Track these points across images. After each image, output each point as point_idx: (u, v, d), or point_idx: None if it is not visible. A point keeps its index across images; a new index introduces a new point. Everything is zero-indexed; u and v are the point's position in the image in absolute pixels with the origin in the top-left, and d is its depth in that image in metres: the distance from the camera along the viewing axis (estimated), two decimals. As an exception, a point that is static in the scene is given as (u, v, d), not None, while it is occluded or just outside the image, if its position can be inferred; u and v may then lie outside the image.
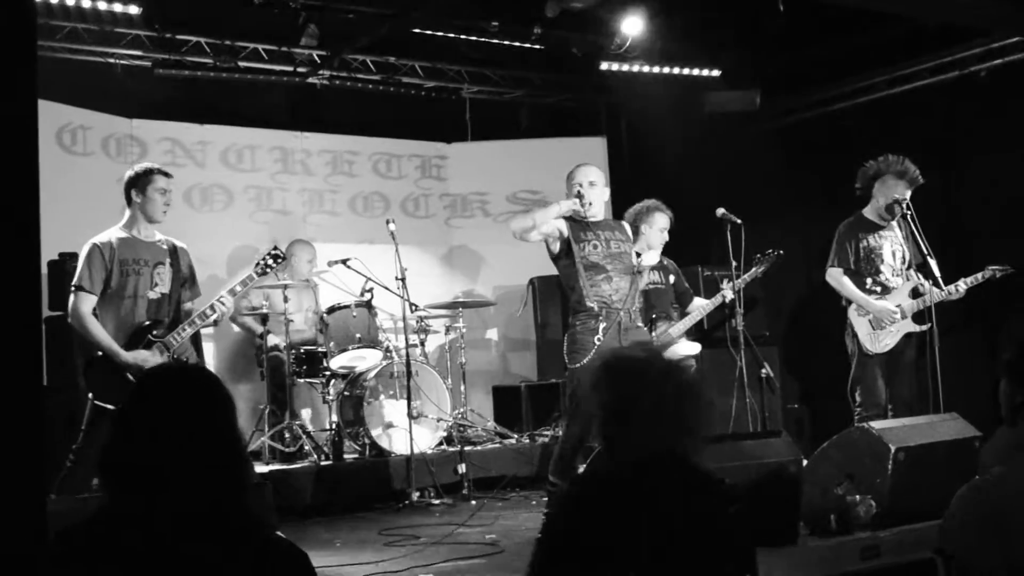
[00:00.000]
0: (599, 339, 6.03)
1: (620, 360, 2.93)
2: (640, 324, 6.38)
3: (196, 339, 6.47)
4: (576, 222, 6.30)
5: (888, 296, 7.20)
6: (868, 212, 7.36)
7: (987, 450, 5.25)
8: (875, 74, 9.72)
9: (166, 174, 6.20)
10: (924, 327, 7.04)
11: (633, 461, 2.75)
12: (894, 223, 7.25)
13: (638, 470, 2.72)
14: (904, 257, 7.27)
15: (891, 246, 7.30)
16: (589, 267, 6.19)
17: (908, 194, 7.19)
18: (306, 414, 8.92)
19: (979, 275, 7.15)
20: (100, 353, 5.92)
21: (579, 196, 6.25)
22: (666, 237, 7.58)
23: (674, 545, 2.60)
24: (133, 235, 6.12)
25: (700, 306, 7.60)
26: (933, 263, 7.04)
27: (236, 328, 9.13)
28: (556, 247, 6.28)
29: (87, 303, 5.93)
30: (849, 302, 7.29)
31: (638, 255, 6.40)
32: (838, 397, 7.55)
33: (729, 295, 7.62)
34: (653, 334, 7.35)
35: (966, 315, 7.59)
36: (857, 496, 5.17)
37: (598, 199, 6.34)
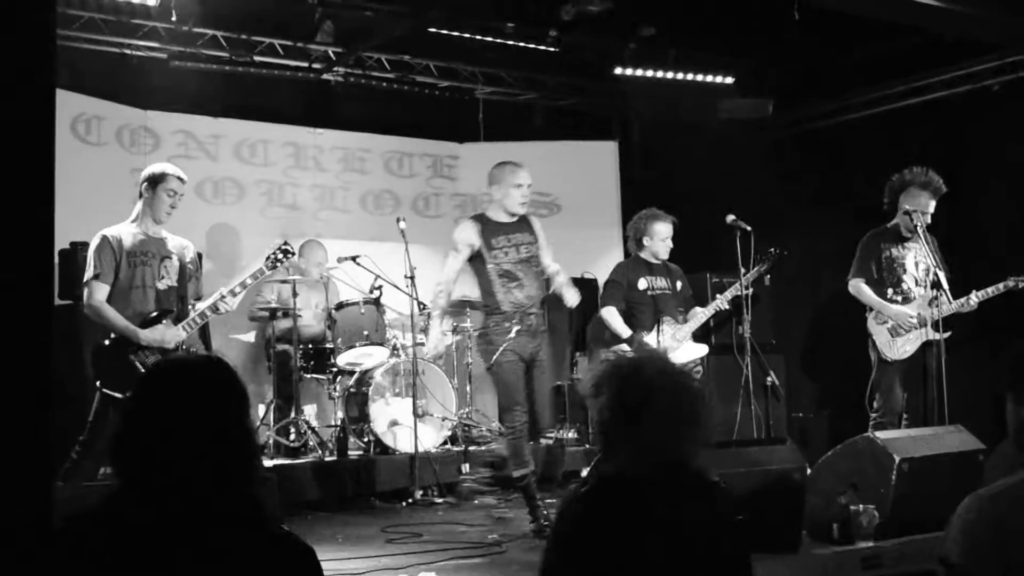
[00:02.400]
0: (510, 339, 6.37)
1: (628, 364, 2.91)
2: (545, 327, 6.78)
3: (204, 333, 6.51)
4: (487, 226, 6.57)
5: (909, 306, 7.22)
6: (893, 224, 7.41)
7: (992, 462, 5.28)
8: (888, 85, 9.73)
9: (181, 178, 6.26)
10: (941, 336, 7.04)
11: (637, 467, 2.73)
12: (918, 234, 7.25)
13: (643, 476, 2.70)
14: (927, 269, 7.28)
15: (914, 257, 7.33)
16: (502, 275, 6.49)
17: (932, 205, 7.22)
18: (311, 409, 8.95)
19: (999, 285, 7.17)
20: (107, 341, 5.97)
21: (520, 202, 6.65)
22: (670, 244, 7.57)
23: (679, 552, 2.59)
24: (142, 229, 6.18)
25: (698, 314, 7.60)
26: (943, 275, 7.04)
27: (249, 323, 9.16)
28: (468, 254, 6.57)
29: (101, 291, 6.00)
30: (870, 310, 7.31)
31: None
32: (844, 406, 7.57)
33: (724, 304, 7.60)
34: (659, 337, 7.36)
35: (976, 327, 7.59)
36: (860, 506, 5.18)
37: (526, 201, 6.68)
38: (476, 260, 6.58)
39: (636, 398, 2.75)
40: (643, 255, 7.59)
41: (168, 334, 6.03)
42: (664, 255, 7.57)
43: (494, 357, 6.41)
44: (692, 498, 2.71)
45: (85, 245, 7.26)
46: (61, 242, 7.50)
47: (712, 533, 2.69)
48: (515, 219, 6.67)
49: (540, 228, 6.81)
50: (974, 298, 7.14)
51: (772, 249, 7.67)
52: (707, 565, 2.64)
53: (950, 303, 7.04)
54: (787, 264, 7.82)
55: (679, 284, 7.68)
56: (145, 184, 6.20)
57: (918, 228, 7.12)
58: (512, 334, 6.40)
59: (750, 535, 2.84)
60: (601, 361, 7.86)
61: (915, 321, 7.14)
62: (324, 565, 2.36)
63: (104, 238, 6.08)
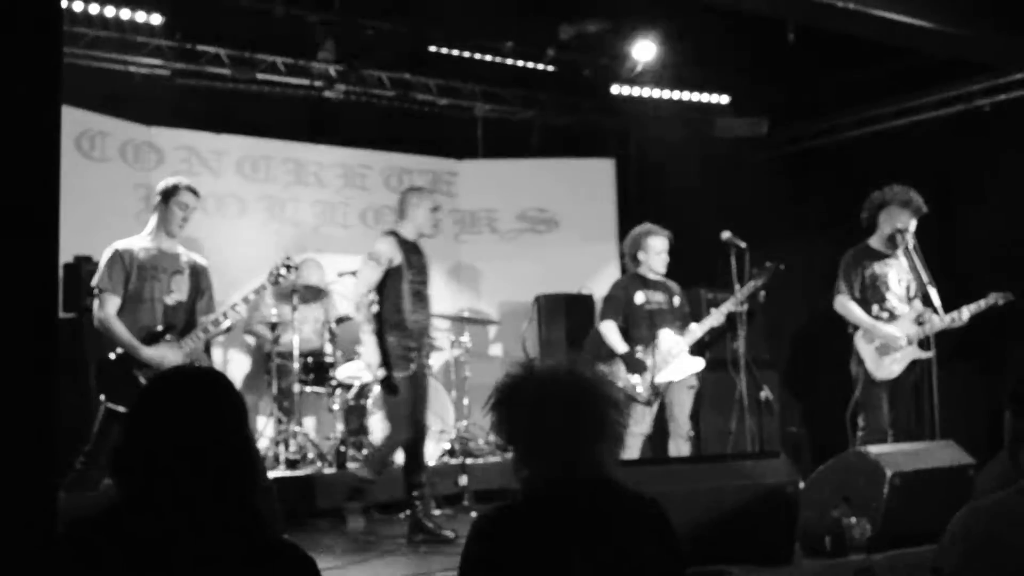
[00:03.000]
0: (414, 356, 6.72)
1: (511, 379, 2.74)
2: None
3: (207, 346, 6.58)
4: (406, 246, 6.82)
5: (894, 323, 7.26)
6: (873, 241, 7.43)
7: (982, 477, 5.35)
8: (882, 105, 9.83)
9: (194, 192, 6.33)
10: (929, 354, 7.09)
11: (541, 483, 2.64)
12: (899, 252, 7.32)
13: (548, 494, 2.61)
14: (910, 286, 7.34)
15: (897, 274, 7.35)
16: (414, 294, 6.79)
17: (913, 224, 7.26)
18: (311, 422, 9.00)
19: (981, 302, 7.21)
20: (112, 356, 6.03)
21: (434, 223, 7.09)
22: (666, 259, 7.63)
23: (602, 571, 2.52)
24: (155, 244, 6.26)
25: (693, 329, 7.65)
26: (933, 292, 7.09)
27: (246, 336, 9.23)
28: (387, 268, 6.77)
29: (111, 304, 6.06)
30: (856, 328, 7.36)
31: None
32: (837, 422, 7.61)
33: (720, 319, 7.65)
34: (656, 353, 7.42)
35: (964, 343, 7.65)
36: (852, 519, 5.24)
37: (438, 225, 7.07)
38: (392, 275, 6.77)
39: (509, 414, 2.68)
40: (640, 271, 7.66)
41: (169, 355, 6.08)
42: (661, 269, 7.63)
43: (402, 373, 6.71)
44: (614, 515, 2.62)
45: (89, 259, 7.35)
46: (65, 256, 7.56)
47: (641, 552, 2.59)
48: (416, 241, 6.96)
49: None
50: (965, 313, 7.16)
51: (768, 263, 7.71)
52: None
53: (941, 319, 7.10)
54: (782, 280, 7.88)
55: (676, 299, 7.72)
56: (159, 198, 6.29)
57: (908, 247, 7.19)
58: (415, 352, 6.76)
59: (683, 555, 2.71)
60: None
61: (903, 342, 7.18)
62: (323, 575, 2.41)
63: (116, 251, 6.15)
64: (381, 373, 6.68)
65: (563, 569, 2.49)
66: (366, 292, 6.76)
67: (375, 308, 6.76)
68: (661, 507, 2.70)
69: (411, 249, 6.87)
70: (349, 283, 8.88)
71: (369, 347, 6.70)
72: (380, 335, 6.71)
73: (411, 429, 6.79)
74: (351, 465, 8.03)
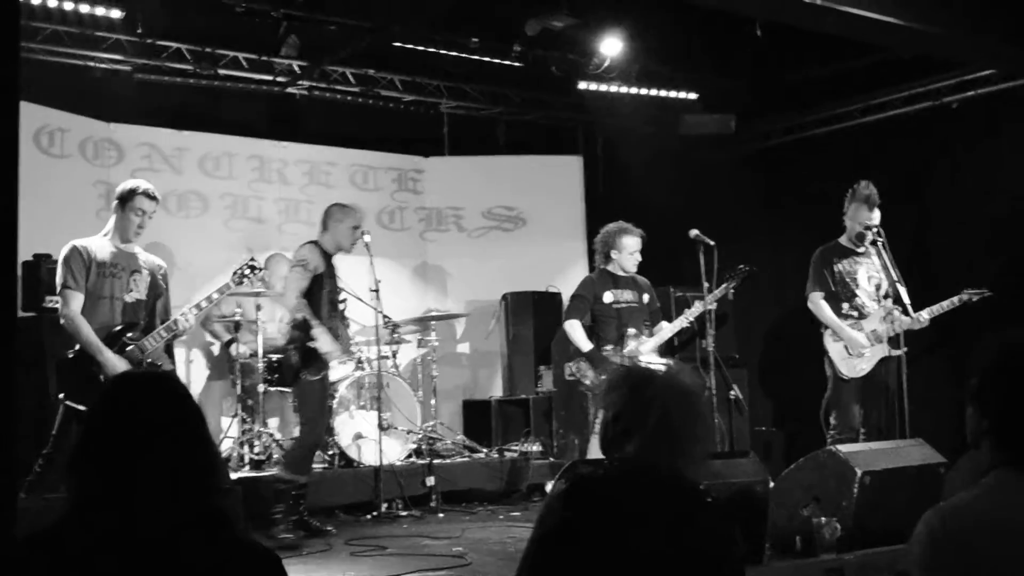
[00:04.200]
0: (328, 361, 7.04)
1: (640, 374, 2.97)
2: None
3: (168, 347, 6.50)
4: (328, 259, 7.14)
5: (864, 321, 7.27)
6: (843, 238, 7.47)
7: (952, 475, 5.34)
8: (849, 102, 9.85)
9: (152, 197, 6.22)
10: (899, 352, 7.10)
11: (626, 471, 2.78)
12: (871, 250, 7.33)
13: (631, 480, 2.74)
14: (880, 284, 7.35)
15: (867, 272, 7.38)
16: (329, 303, 7.08)
17: (875, 216, 7.29)
18: (275, 422, 8.91)
19: (955, 299, 7.25)
20: (71, 354, 5.95)
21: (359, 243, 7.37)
22: (638, 258, 7.63)
23: (659, 558, 2.60)
24: (113, 243, 6.17)
25: (665, 328, 7.63)
26: (903, 290, 7.10)
27: (206, 335, 9.14)
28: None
29: (76, 300, 5.97)
30: (826, 327, 7.36)
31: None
32: (807, 420, 7.61)
33: (690, 319, 7.63)
34: (624, 351, 7.39)
35: (935, 341, 7.66)
36: (823, 518, 5.22)
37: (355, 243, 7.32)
38: (313, 284, 7.02)
39: (642, 403, 2.80)
40: (610, 268, 7.64)
41: (120, 365, 5.98)
42: (632, 269, 7.62)
43: (317, 376, 7.00)
44: (682, 507, 2.71)
45: (48, 257, 7.24)
46: (24, 254, 7.45)
47: (706, 544, 2.68)
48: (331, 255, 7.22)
49: None
50: (925, 315, 7.19)
51: (741, 266, 7.71)
52: (689, 569, 2.64)
53: (908, 317, 7.11)
54: (751, 279, 7.88)
55: (646, 297, 7.71)
56: (116, 203, 6.20)
57: (877, 243, 7.20)
58: (333, 360, 7.11)
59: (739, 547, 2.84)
60: (566, 375, 7.89)
61: (866, 349, 7.20)
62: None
63: (73, 247, 6.06)
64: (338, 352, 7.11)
65: (614, 545, 2.59)
66: (298, 296, 6.94)
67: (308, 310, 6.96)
68: (716, 504, 2.83)
69: (328, 261, 7.14)
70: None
71: (320, 338, 6.89)
72: (301, 339, 6.99)
73: (324, 430, 7.40)
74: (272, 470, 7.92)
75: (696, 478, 2.82)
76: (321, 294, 7.01)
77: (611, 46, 9.39)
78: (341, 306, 8.69)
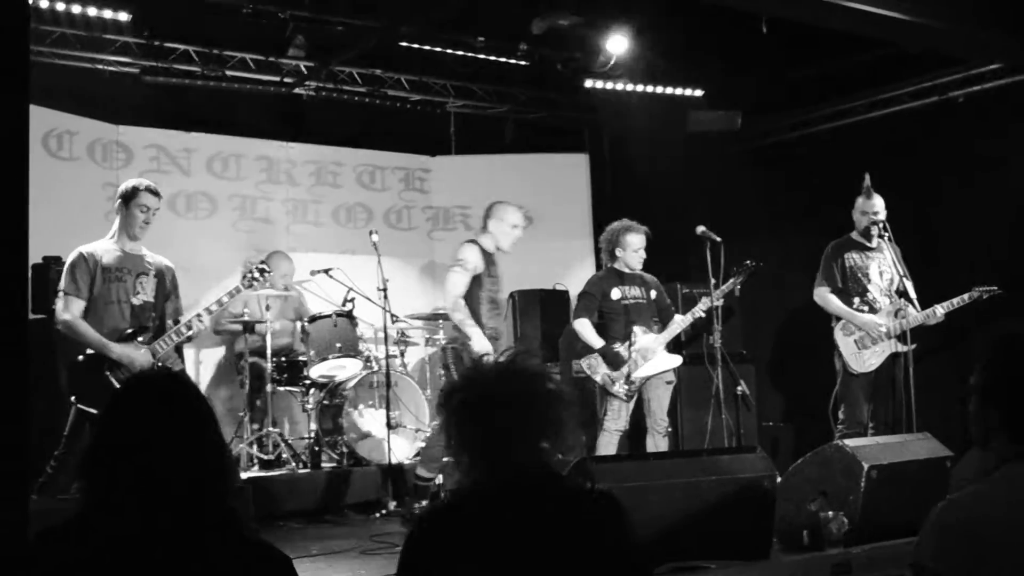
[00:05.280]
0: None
1: (464, 376, 2.78)
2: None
3: (179, 349, 6.54)
4: (487, 256, 7.22)
5: (875, 316, 7.29)
6: (854, 233, 7.55)
7: (959, 469, 5.35)
8: (855, 97, 9.83)
9: (155, 193, 6.29)
10: (909, 347, 7.11)
11: (490, 478, 2.63)
12: (883, 244, 7.34)
13: (499, 487, 2.61)
14: (892, 279, 7.36)
15: (878, 267, 7.40)
16: (489, 301, 7.16)
17: (876, 203, 7.32)
18: (284, 422, 8.94)
19: (964, 296, 7.26)
20: (82, 357, 5.98)
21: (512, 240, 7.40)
22: (643, 255, 7.63)
23: (543, 566, 2.50)
24: (119, 246, 6.21)
25: (677, 321, 7.64)
26: (910, 285, 7.12)
27: (216, 335, 9.16)
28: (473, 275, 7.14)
29: (75, 306, 6.02)
30: (837, 319, 7.38)
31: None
32: (814, 415, 7.61)
33: (701, 312, 7.64)
34: (632, 348, 7.39)
35: (943, 336, 7.67)
36: (830, 512, 5.23)
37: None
38: (473, 282, 7.13)
39: (477, 410, 2.64)
40: (616, 266, 7.65)
41: (137, 356, 6.03)
42: (637, 266, 7.63)
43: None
44: (559, 507, 2.60)
45: (58, 259, 7.27)
46: (34, 256, 7.46)
47: (590, 548, 2.57)
48: (496, 254, 7.33)
49: None
50: (940, 310, 7.21)
51: (747, 262, 7.71)
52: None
53: (917, 312, 7.13)
54: (758, 275, 7.88)
55: (654, 293, 7.71)
56: (119, 202, 6.24)
57: (884, 237, 7.22)
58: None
59: (638, 549, 2.69)
60: (575, 373, 7.91)
61: (884, 330, 7.21)
62: (299, 576, 2.38)
63: (80, 255, 6.11)
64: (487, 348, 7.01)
65: (508, 568, 2.48)
66: (457, 295, 7.08)
67: (462, 310, 7.08)
68: (615, 501, 2.69)
69: (489, 259, 7.30)
70: (322, 281, 8.86)
71: (474, 336, 6.99)
72: (460, 339, 7.13)
73: None
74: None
75: (566, 477, 2.62)
76: (480, 294, 7.15)
77: (617, 44, 9.39)
78: (349, 305, 8.76)
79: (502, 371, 2.68)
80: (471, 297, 7.12)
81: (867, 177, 7.39)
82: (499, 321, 7.33)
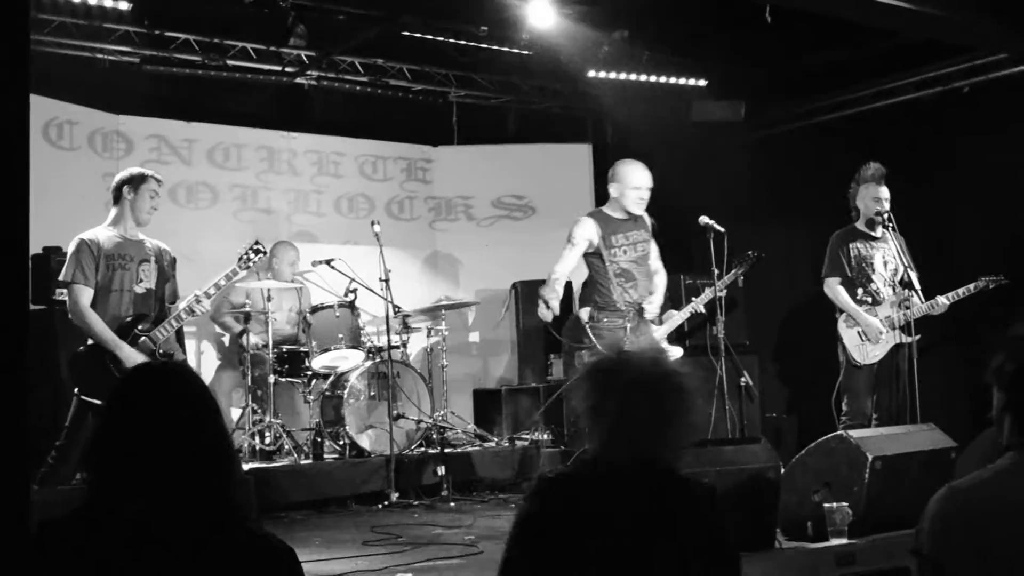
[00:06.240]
0: (626, 337, 6.76)
1: (610, 362, 2.88)
2: (650, 320, 7.05)
3: (179, 336, 6.52)
4: (606, 223, 6.89)
5: (879, 307, 7.28)
6: (859, 223, 7.51)
7: (965, 456, 5.32)
8: (860, 87, 9.80)
9: (158, 179, 6.31)
10: (913, 338, 7.10)
11: (609, 457, 2.72)
12: (887, 235, 7.32)
13: (614, 466, 2.70)
14: (896, 269, 7.35)
15: (883, 256, 7.39)
16: (619, 273, 6.85)
17: (882, 191, 7.30)
18: (286, 413, 8.93)
19: (970, 286, 7.27)
20: (83, 348, 5.97)
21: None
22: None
23: (626, 555, 2.56)
24: (119, 232, 6.18)
25: (673, 315, 7.61)
26: (914, 276, 7.10)
27: (218, 326, 9.16)
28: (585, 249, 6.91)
29: (85, 295, 6.00)
30: (841, 312, 7.37)
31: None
32: (818, 406, 7.59)
33: (700, 307, 7.62)
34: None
35: (947, 326, 7.65)
36: (834, 503, 5.21)
37: (643, 202, 7.00)
38: (593, 257, 6.92)
39: (613, 396, 2.72)
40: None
41: (139, 359, 5.98)
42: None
43: (595, 347, 6.72)
44: (668, 497, 2.67)
45: (58, 250, 7.26)
46: (33, 247, 7.46)
47: (698, 532, 2.64)
48: (631, 218, 7.00)
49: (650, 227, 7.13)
50: (943, 300, 7.20)
51: (749, 252, 7.70)
52: (694, 565, 2.61)
53: (921, 303, 7.12)
54: (761, 266, 7.86)
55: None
56: (126, 187, 6.21)
57: (889, 227, 7.19)
58: (628, 333, 6.79)
59: (733, 544, 2.78)
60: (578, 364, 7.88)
61: (883, 334, 7.20)
62: (304, 568, 2.36)
63: (82, 241, 6.07)
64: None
65: (616, 542, 2.56)
66: (561, 271, 6.96)
67: (558, 286, 6.96)
68: (715, 494, 2.80)
69: (617, 227, 6.98)
70: (324, 272, 8.85)
71: (550, 301, 6.89)
72: (596, 317, 6.94)
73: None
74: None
75: (679, 466, 2.76)
76: (604, 266, 6.89)
77: (620, 33, 9.31)
78: (351, 296, 8.72)
79: (644, 362, 2.81)
80: (596, 273, 6.95)
81: (872, 165, 7.36)
82: (639, 291, 7.00)
